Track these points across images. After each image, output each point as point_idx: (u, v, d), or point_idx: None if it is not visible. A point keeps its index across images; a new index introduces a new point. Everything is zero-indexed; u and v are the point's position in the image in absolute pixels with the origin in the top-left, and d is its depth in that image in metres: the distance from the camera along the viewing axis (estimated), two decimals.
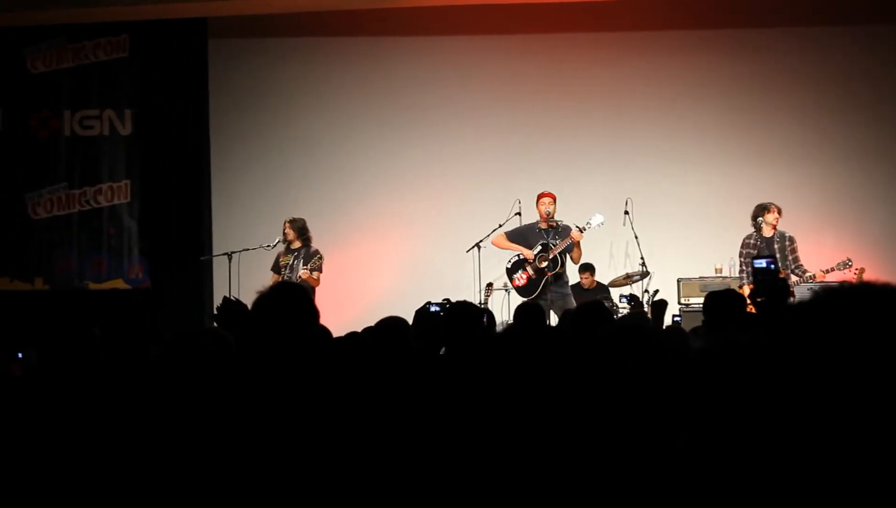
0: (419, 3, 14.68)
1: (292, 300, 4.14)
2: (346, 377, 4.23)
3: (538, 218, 12.70)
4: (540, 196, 12.70)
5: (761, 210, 12.58)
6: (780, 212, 12.52)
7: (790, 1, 14.90)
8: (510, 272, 12.76)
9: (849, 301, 1.73)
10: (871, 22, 14.83)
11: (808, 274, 12.22)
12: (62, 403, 4.34)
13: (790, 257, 12.31)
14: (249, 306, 4.30)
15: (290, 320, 4.06)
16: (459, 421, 3.67)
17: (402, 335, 6.20)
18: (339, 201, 15.10)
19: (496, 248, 12.90)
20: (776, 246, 12.26)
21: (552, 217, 12.58)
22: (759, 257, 11.21)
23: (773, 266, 9.40)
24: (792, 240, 12.42)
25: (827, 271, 12.27)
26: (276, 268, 13.09)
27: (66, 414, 4.20)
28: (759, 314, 6.67)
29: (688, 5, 14.92)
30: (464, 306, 6.77)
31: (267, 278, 12.83)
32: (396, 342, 6.04)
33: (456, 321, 6.37)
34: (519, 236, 12.76)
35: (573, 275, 13.39)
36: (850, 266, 12.30)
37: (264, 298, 4.23)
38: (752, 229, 12.60)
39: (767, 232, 12.45)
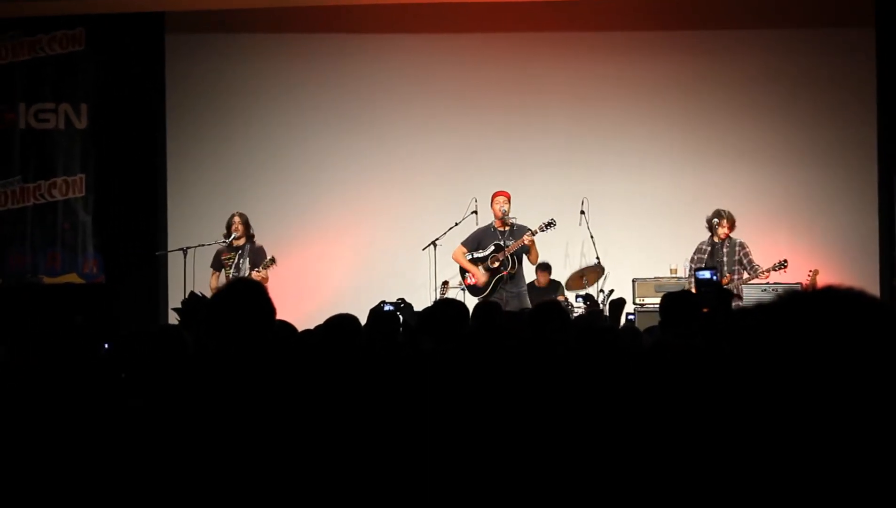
0: (375, 0, 14.68)
1: (250, 298, 4.13)
2: (304, 375, 4.24)
3: (493, 218, 12.75)
4: (494, 195, 12.74)
5: (716, 216, 12.62)
6: (730, 225, 12.57)
7: (747, 4, 14.96)
8: (462, 271, 12.81)
9: (811, 305, 1.76)
10: (827, 25, 14.91)
11: (755, 270, 12.29)
12: (26, 400, 4.31)
13: (744, 261, 12.39)
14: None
15: (249, 317, 4.06)
16: (422, 420, 3.69)
17: (352, 333, 6.13)
18: (294, 197, 15.07)
19: (455, 262, 12.95)
20: (725, 250, 12.32)
21: (507, 216, 12.62)
22: (701, 268, 11.35)
23: (715, 277, 9.53)
24: (743, 245, 12.48)
25: (766, 271, 12.33)
26: (217, 265, 13.04)
27: (28, 412, 4.18)
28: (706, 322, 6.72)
29: (645, 6, 14.96)
30: (449, 303, 6.76)
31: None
32: (347, 341, 5.99)
33: (441, 320, 6.35)
34: (474, 240, 12.79)
35: (530, 274, 13.43)
36: (785, 267, 12.30)
37: (221, 295, 4.24)
38: (708, 234, 12.66)
39: (718, 238, 12.52)
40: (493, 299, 12.12)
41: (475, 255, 12.66)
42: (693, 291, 11.47)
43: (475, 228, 13.10)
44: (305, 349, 5.54)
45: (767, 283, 12.76)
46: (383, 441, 3.77)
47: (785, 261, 12.25)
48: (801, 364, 1.70)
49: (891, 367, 1.67)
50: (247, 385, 3.76)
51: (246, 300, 4.10)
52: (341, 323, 6.09)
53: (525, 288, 12.75)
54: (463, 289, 13.20)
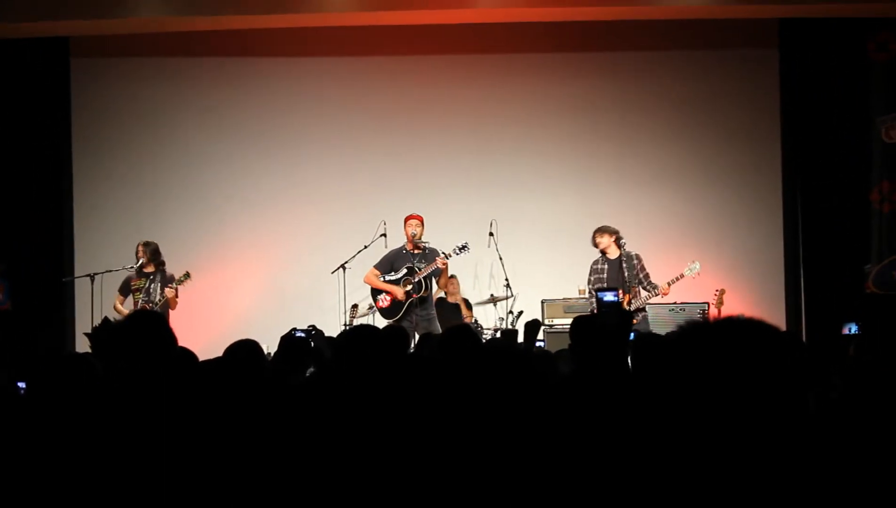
0: (279, 24, 14.60)
1: (149, 327, 4.18)
2: (202, 402, 4.26)
3: (405, 241, 12.72)
4: (407, 218, 12.70)
5: (596, 234, 12.56)
6: (613, 235, 12.46)
7: (653, 26, 15.06)
8: (374, 293, 12.77)
9: (709, 336, 1.80)
10: (732, 47, 15.06)
11: (655, 289, 12.24)
12: None
13: (641, 275, 12.34)
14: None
15: (148, 345, 4.10)
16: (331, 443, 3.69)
17: (247, 359, 6.04)
18: (203, 222, 14.98)
19: (368, 285, 12.87)
20: (624, 265, 12.26)
21: (419, 239, 12.59)
22: (603, 289, 11.36)
23: (617, 298, 9.57)
24: (639, 258, 12.39)
25: (672, 282, 12.27)
26: (125, 290, 12.91)
27: None
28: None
29: (551, 29, 15.02)
30: (360, 329, 6.74)
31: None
32: (249, 365, 5.91)
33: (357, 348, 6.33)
34: (386, 263, 12.74)
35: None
36: (699, 271, 12.32)
37: (123, 324, 4.28)
38: (598, 254, 12.59)
39: (613, 254, 12.46)
40: (403, 322, 12.13)
41: (387, 278, 12.62)
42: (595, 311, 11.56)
43: (385, 251, 13.09)
44: (204, 377, 5.50)
45: (675, 303, 12.88)
46: (284, 466, 3.78)
47: (680, 276, 12.29)
48: (703, 389, 1.74)
49: (784, 386, 1.72)
50: (143, 410, 3.79)
51: (146, 329, 4.15)
52: (236, 351, 6.03)
53: (434, 312, 12.74)
54: (373, 312, 13.19)
